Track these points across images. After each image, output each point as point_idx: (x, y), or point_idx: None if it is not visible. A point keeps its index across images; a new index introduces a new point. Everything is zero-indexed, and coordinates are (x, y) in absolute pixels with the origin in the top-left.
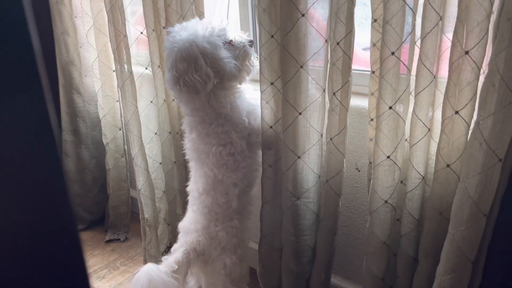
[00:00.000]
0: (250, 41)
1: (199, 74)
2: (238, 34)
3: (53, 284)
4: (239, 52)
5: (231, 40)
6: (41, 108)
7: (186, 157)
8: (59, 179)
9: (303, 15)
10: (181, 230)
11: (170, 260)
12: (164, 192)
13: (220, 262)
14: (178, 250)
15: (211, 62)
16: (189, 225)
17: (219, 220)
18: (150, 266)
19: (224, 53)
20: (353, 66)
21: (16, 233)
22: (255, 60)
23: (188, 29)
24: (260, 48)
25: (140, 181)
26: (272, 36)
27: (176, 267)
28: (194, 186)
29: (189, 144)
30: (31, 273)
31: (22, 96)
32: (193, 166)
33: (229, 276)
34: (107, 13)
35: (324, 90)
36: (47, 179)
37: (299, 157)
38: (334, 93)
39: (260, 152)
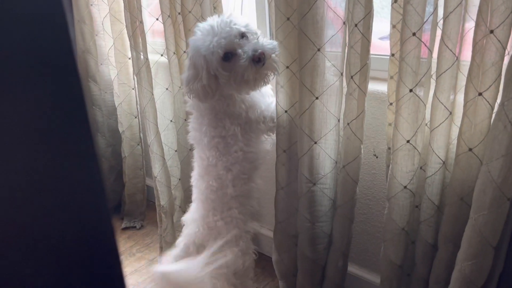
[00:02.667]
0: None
1: (202, 86)
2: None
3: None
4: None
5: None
6: (80, 105)
7: (190, 142)
8: (97, 181)
9: None
10: (184, 223)
11: (170, 256)
12: (179, 179)
13: (221, 254)
14: (179, 245)
15: (215, 74)
16: (190, 215)
17: (216, 209)
18: (161, 271)
19: (228, 68)
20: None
21: (53, 231)
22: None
23: (206, 32)
24: (275, 31)
25: (156, 168)
26: (288, 19)
27: (174, 262)
28: (195, 173)
29: (190, 126)
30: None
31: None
32: (194, 152)
33: (230, 269)
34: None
35: (341, 74)
36: (85, 176)
37: (315, 143)
38: (352, 77)
39: (262, 140)
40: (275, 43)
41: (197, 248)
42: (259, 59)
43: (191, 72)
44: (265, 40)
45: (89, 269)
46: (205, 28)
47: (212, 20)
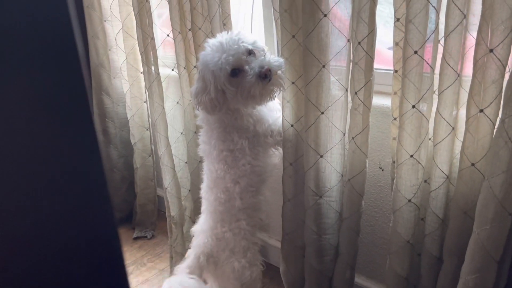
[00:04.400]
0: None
1: (210, 99)
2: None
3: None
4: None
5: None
6: (86, 112)
7: (200, 154)
8: (101, 186)
9: (325, 15)
10: (193, 234)
11: (182, 267)
12: (189, 190)
13: (229, 265)
14: (189, 256)
15: (222, 88)
16: (199, 226)
17: (225, 220)
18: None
19: (235, 83)
20: (378, 65)
21: (58, 239)
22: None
23: (215, 48)
24: (281, 48)
25: (167, 179)
26: (293, 36)
27: (188, 270)
28: (204, 185)
29: (200, 140)
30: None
31: (68, 101)
32: (204, 165)
33: (238, 280)
34: (135, 17)
35: (346, 90)
36: (90, 182)
37: (321, 156)
38: (356, 93)
39: (270, 154)
40: (281, 60)
41: (207, 258)
42: (266, 75)
43: (199, 85)
44: (271, 57)
45: (93, 275)
46: (214, 44)
47: (222, 37)
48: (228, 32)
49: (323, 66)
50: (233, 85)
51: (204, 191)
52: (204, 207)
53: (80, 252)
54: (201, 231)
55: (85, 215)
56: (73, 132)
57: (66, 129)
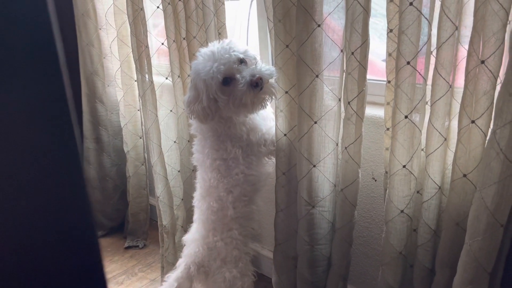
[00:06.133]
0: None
1: (202, 107)
2: (258, 65)
3: None
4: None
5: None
6: (64, 113)
7: (194, 163)
8: (79, 185)
9: (318, 25)
10: (185, 243)
11: (172, 278)
12: (182, 199)
13: (220, 275)
14: (179, 266)
15: (214, 97)
16: (190, 235)
17: (217, 229)
18: None
19: (227, 92)
20: (372, 77)
21: (34, 237)
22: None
23: (207, 58)
24: (275, 57)
25: (159, 188)
26: (287, 46)
27: (176, 284)
28: (197, 193)
29: (193, 149)
30: (50, 279)
31: (44, 102)
32: (197, 174)
33: None
34: (130, 25)
35: (339, 100)
36: (68, 184)
37: (314, 166)
38: (349, 103)
39: (263, 163)
40: (272, 68)
41: (198, 268)
42: (257, 84)
43: (192, 94)
44: (263, 65)
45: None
46: (206, 54)
47: (213, 46)
48: (219, 41)
49: (317, 76)
50: (225, 93)
51: (197, 200)
52: (196, 216)
53: (55, 250)
54: (192, 240)
55: (61, 214)
56: (50, 133)
57: (43, 130)
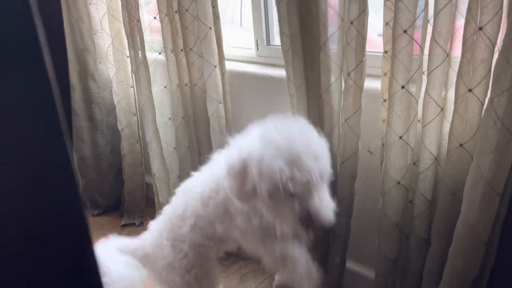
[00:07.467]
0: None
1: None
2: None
3: (62, 269)
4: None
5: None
6: (46, 91)
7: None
8: (65, 164)
9: None
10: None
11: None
12: (178, 176)
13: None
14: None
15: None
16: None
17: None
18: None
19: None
20: (369, 49)
21: (22, 218)
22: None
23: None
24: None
25: (155, 165)
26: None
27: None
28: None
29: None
30: (37, 260)
31: (25, 81)
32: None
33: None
34: None
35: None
36: (53, 163)
37: None
38: (348, 74)
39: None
40: (332, 214)
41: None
42: (308, 224)
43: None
44: (325, 199)
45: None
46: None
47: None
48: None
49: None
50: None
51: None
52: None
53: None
54: (155, 229)
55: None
56: (37, 127)
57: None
